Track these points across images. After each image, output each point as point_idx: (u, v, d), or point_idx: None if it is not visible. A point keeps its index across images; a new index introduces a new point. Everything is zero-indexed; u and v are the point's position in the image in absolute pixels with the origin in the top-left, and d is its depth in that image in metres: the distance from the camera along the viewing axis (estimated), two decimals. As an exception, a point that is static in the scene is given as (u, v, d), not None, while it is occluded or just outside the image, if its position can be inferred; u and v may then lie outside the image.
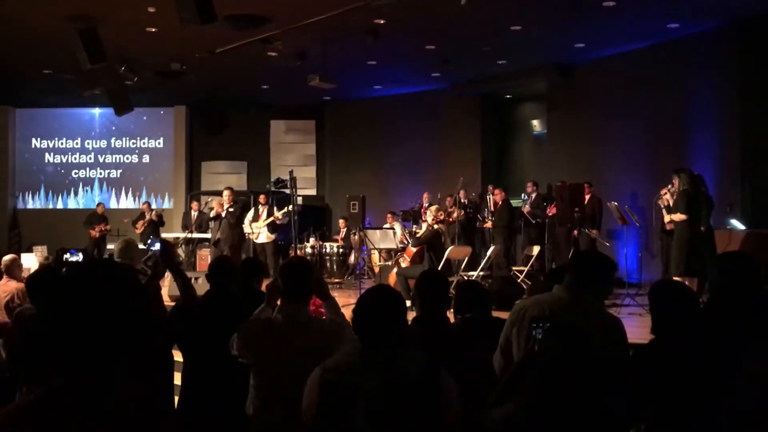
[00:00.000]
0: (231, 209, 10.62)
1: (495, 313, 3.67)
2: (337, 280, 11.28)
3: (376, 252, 11.35)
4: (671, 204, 7.68)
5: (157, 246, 4.02)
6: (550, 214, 10.58)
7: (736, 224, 8.36)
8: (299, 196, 13.81)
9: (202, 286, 3.76)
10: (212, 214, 11.13)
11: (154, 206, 13.81)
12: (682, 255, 7.37)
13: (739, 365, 2.34)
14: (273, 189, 11.99)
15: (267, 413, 2.84)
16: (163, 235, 12.75)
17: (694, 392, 2.57)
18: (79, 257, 3.97)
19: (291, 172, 10.94)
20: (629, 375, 2.87)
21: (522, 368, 2.36)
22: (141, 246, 12.28)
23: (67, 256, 3.99)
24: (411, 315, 2.79)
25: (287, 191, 10.30)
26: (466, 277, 8.68)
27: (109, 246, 13.12)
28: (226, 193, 10.82)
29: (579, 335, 2.12)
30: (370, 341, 2.27)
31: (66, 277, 1.35)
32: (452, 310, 3.58)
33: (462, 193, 12.21)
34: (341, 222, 13.13)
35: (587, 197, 10.41)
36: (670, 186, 7.81)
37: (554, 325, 2.26)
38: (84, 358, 1.29)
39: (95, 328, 1.29)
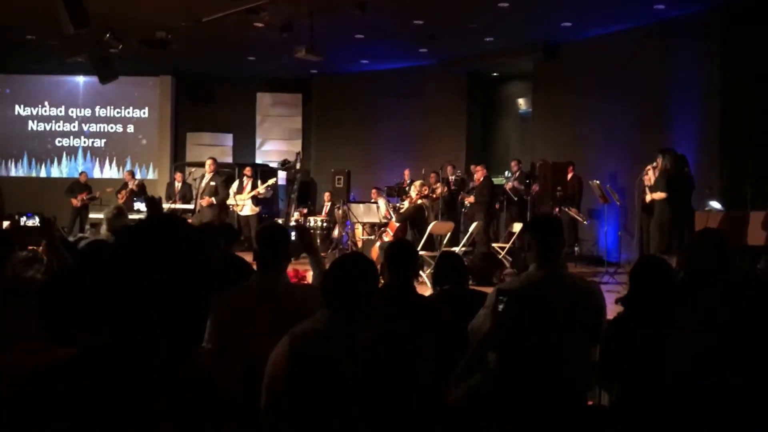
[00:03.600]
0: (212, 182, 10.51)
1: (474, 288, 3.75)
2: (320, 254, 11.32)
3: (360, 226, 11.40)
4: (652, 183, 7.79)
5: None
6: (534, 192, 10.68)
7: (715, 205, 8.47)
8: (284, 169, 13.88)
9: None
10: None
11: (138, 176, 13.72)
12: (662, 234, 7.50)
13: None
14: (280, 169, 12.05)
15: (236, 381, 2.75)
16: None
17: (661, 363, 2.66)
18: (35, 220, 3.92)
19: (298, 154, 10.95)
20: (602, 346, 2.96)
21: (488, 341, 2.33)
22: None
23: (23, 219, 3.96)
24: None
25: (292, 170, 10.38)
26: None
27: (92, 215, 13.05)
28: (208, 162, 10.76)
29: (541, 301, 2.13)
30: (339, 307, 2.21)
31: (130, 230, 1.28)
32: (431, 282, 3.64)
33: (450, 169, 12.23)
34: (326, 195, 13.14)
35: (569, 176, 10.52)
36: (654, 164, 7.90)
37: (516, 293, 2.22)
38: (137, 315, 1.22)
39: (156, 282, 1.21)
